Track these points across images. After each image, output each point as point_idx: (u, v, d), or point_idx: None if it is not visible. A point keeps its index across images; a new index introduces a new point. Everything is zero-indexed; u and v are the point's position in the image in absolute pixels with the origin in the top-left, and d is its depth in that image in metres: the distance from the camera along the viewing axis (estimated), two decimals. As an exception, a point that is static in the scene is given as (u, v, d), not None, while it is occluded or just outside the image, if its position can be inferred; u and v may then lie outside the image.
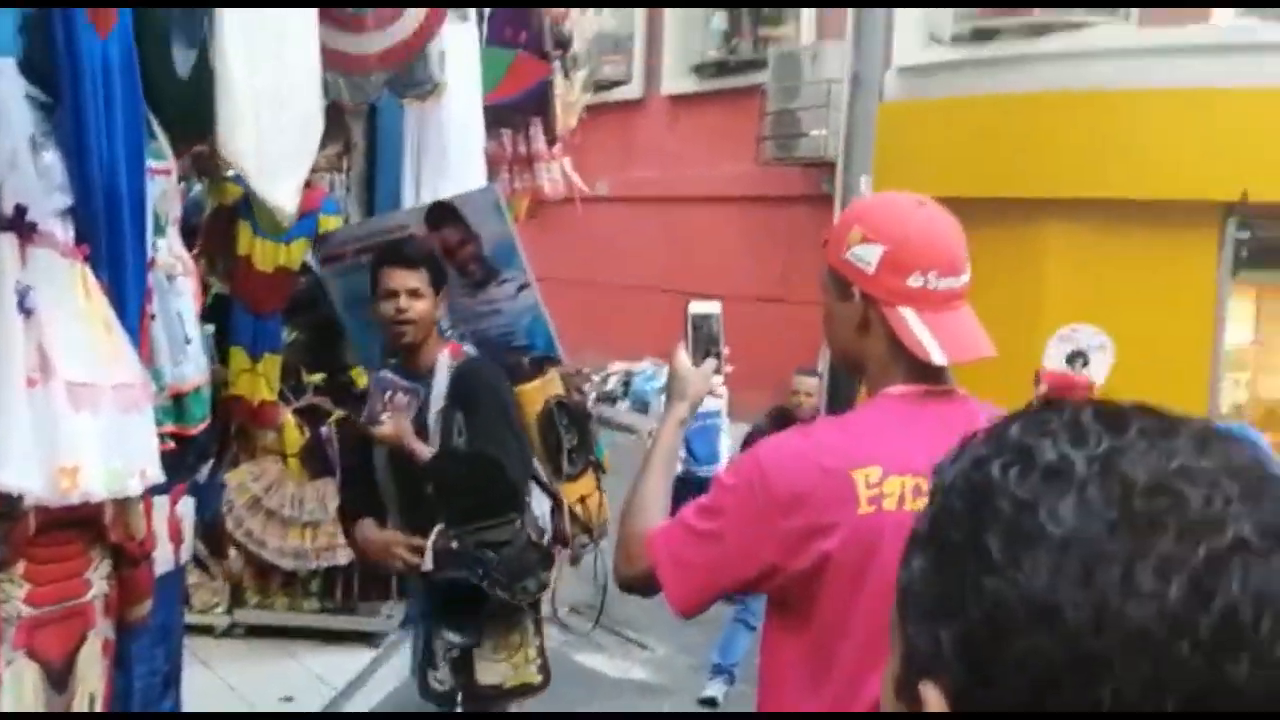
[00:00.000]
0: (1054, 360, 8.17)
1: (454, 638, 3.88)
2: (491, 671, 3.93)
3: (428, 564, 3.80)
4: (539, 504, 4.18)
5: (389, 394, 3.85)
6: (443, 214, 4.13)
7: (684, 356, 2.32)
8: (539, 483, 4.17)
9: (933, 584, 0.75)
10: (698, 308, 2.38)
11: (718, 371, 2.34)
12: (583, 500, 4.27)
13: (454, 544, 3.80)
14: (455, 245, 4.07)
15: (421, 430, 3.84)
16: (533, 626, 4.00)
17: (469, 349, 4.01)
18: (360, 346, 4.79)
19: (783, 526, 1.88)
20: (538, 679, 4.00)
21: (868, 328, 2.00)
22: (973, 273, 2.02)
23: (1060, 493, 0.70)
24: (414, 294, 3.81)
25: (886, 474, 1.87)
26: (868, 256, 1.96)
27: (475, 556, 3.79)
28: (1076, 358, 8.19)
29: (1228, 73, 9.74)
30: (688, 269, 13.66)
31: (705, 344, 2.35)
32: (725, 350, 2.37)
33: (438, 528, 3.81)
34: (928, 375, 1.97)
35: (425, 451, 3.80)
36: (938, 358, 1.92)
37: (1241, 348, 13.04)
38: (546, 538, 4.12)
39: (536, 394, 4.09)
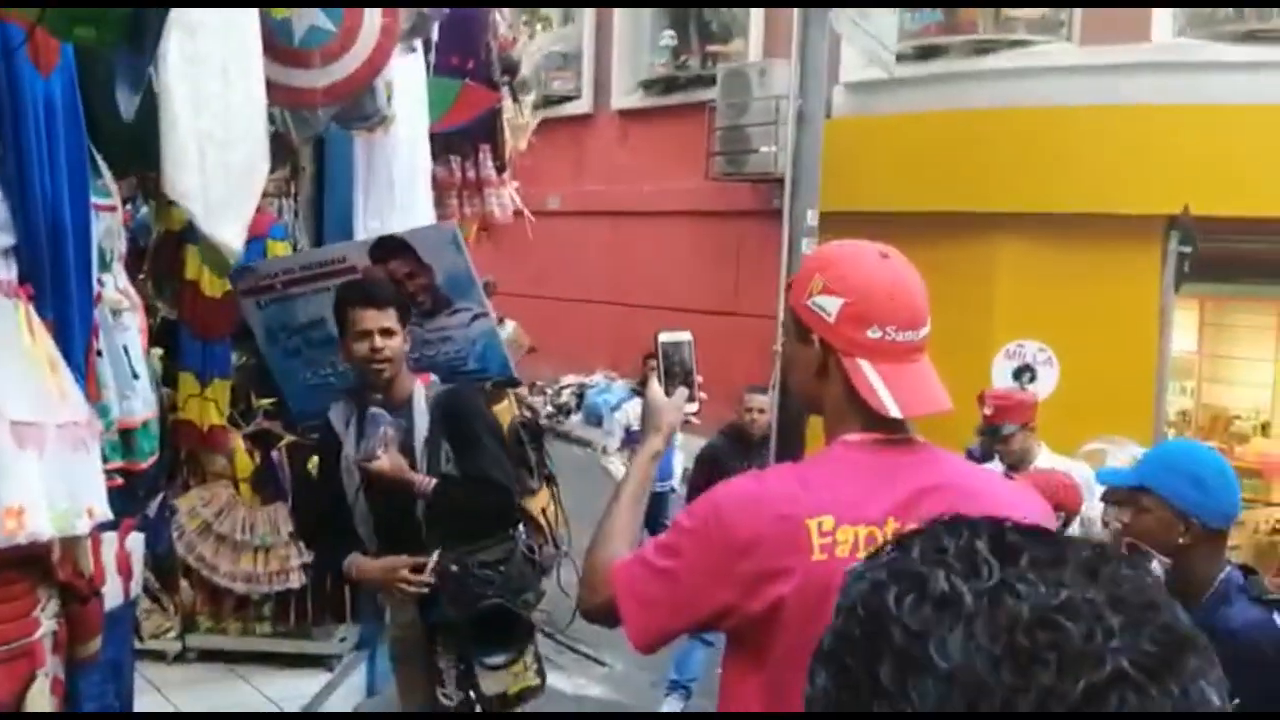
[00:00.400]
0: (1001, 376, 8.29)
1: (494, 659, 3.98)
2: (494, 681, 4.01)
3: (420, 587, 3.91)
4: None
5: (382, 430, 3.88)
6: (392, 247, 4.17)
7: (656, 387, 2.33)
8: None
9: (832, 703, 0.78)
10: (668, 336, 2.38)
11: (691, 399, 2.34)
12: (543, 512, 4.42)
13: (454, 566, 3.89)
14: (404, 277, 4.11)
15: (409, 460, 3.89)
16: (526, 634, 4.10)
17: (434, 378, 4.06)
18: (282, 376, 4.74)
19: (737, 569, 1.91)
20: (536, 681, 4.11)
21: (826, 374, 2.03)
22: (926, 287, 2.04)
23: (949, 625, 0.72)
24: (387, 333, 3.85)
25: (839, 523, 1.89)
26: (829, 306, 1.98)
27: (480, 576, 3.90)
28: (1024, 372, 8.32)
29: (1167, 90, 9.93)
30: (639, 282, 13.75)
31: (677, 373, 2.36)
32: (699, 378, 2.38)
33: (437, 551, 3.89)
34: (884, 424, 1.99)
35: (426, 482, 3.86)
36: (893, 410, 1.94)
37: (1186, 357, 13.23)
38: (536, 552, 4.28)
39: (504, 415, 4.20)
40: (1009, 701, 0.69)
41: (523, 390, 4.60)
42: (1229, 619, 2.81)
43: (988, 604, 0.73)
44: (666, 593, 2.01)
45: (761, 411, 6.59)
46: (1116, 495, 2.93)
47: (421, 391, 3.95)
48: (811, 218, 5.26)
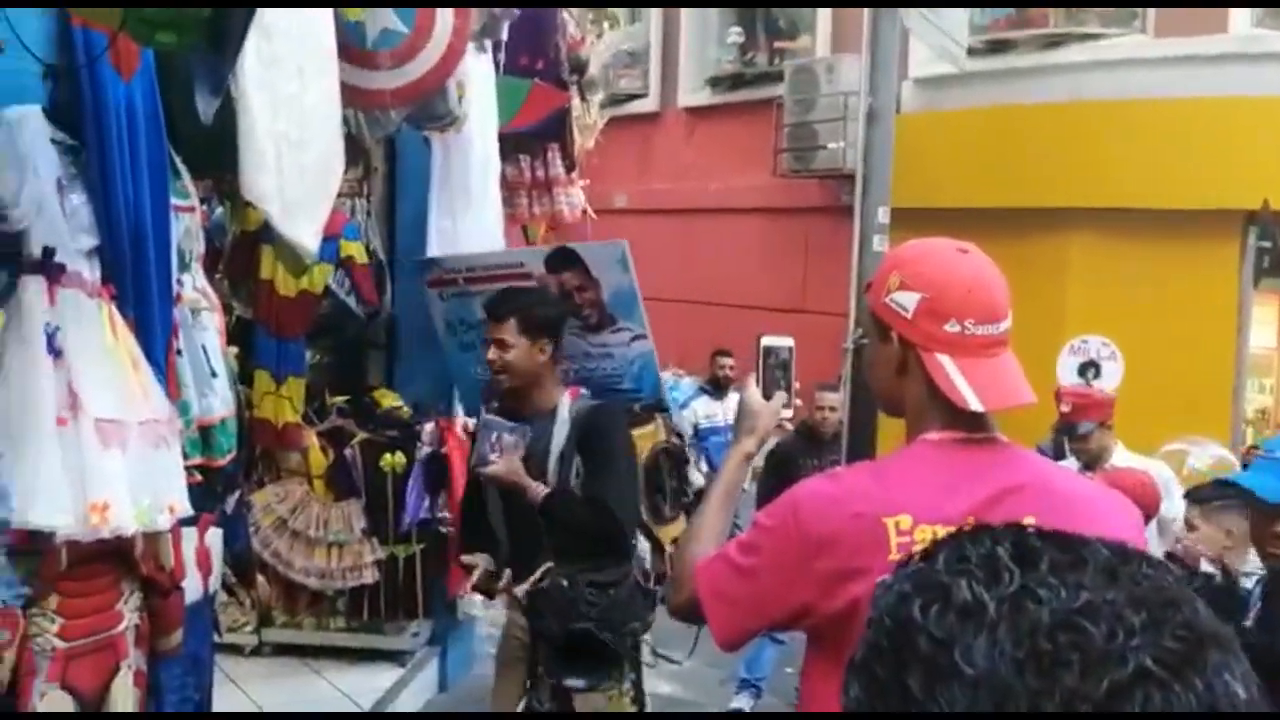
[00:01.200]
0: (1066, 372, 8.19)
1: (575, 682, 3.98)
2: (586, 702, 4.01)
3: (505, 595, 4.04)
4: (640, 545, 4.28)
5: (495, 435, 3.96)
6: (565, 259, 4.19)
7: (754, 390, 2.35)
8: (641, 525, 4.26)
9: (865, 713, 0.80)
10: (769, 341, 2.40)
11: (787, 405, 2.36)
12: (674, 541, 4.34)
13: (564, 581, 3.91)
14: (574, 289, 4.15)
15: (540, 471, 3.94)
16: (629, 663, 4.07)
17: (585, 392, 4.08)
18: (455, 369, 5.05)
19: (815, 569, 1.91)
20: (631, 708, 4.09)
21: (906, 371, 2.02)
22: (1004, 281, 2.03)
23: (974, 633, 0.74)
24: (500, 345, 3.94)
25: (917, 522, 1.88)
26: (906, 303, 1.98)
27: (586, 596, 3.91)
28: (1089, 368, 8.21)
29: (1244, 81, 9.73)
30: (706, 280, 13.72)
31: (776, 377, 2.38)
32: (797, 385, 2.41)
33: (546, 565, 3.94)
34: (966, 422, 1.98)
35: (539, 490, 3.89)
36: (973, 404, 1.92)
37: (1265, 354, 12.99)
38: (652, 579, 4.22)
39: (646, 440, 4.17)
40: (1035, 704, 0.71)
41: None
42: None
43: (1010, 610, 0.75)
44: (747, 591, 2.02)
45: (833, 409, 6.55)
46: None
47: (567, 404, 3.97)
48: (883, 214, 5.22)
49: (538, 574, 3.91)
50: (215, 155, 3.26)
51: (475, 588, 4.12)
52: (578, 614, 3.92)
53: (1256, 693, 0.74)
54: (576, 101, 6.38)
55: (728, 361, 9.22)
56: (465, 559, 4.05)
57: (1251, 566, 3.24)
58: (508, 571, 4.00)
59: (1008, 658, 0.73)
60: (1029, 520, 1.88)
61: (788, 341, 2.42)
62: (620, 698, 4.05)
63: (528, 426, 3.95)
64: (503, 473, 3.91)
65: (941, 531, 1.88)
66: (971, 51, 10.68)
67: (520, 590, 3.94)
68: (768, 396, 2.35)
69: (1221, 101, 9.74)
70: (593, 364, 4.29)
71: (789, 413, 2.38)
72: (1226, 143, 9.67)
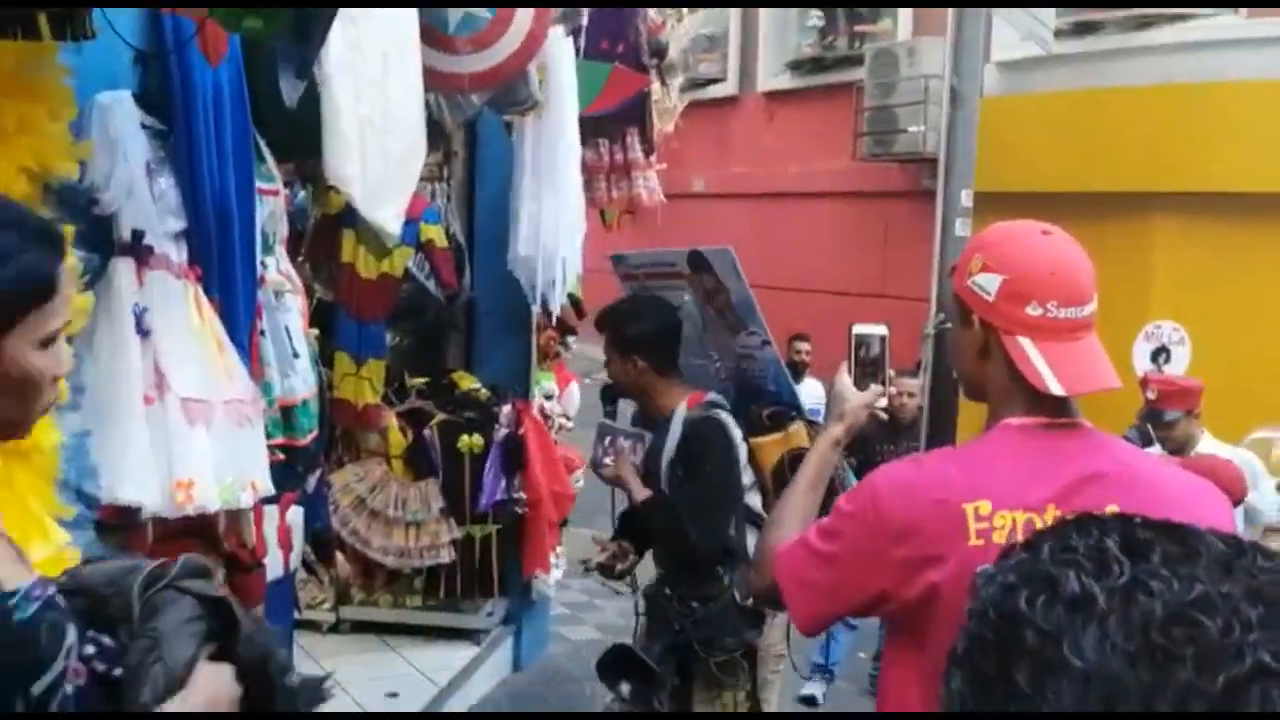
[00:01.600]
0: (1141, 357, 8.07)
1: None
2: (706, 703, 4.03)
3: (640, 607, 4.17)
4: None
5: (608, 440, 4.14)
6: (698, 262, 4.23)
7: (846, 378, 2.34)
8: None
9: (969, 706, 0.78)
10: (861, 329, 2.38)
11: (882, 394, 2.35)
12: None
13: (666, 590, 4.00)
14: (712, 290, 4.15)
15: (655, 477, 4.00)
16: (744, 672, 4.06)
17: (712, 396, 4.07)
18: None
19: (893, 555, 1.89)
20: (745, 707, 4.09)
21: (988, 356, 2.00)
22: (1089, 263, 2.00)
23: (1083, 625, 0.72)
24: (607, 357, 4.11)
25: (997, 508, 1.85)
26: (988, 285, 1.96)
27: (677, 608, 3.97)
28: (1160, 353, 8.08)
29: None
30: (785, 264, 13.63)
31: (869, 365, 2.36)
32: (891, 372, 2.39)
33: (632, 559, 4.10)
34: (1049, 407, 1.94)
35: (639, 494, 3.97)
36: (1054, 388, 1.90)
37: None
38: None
39: (775, 447, 4.08)
40: (1147, 699, 0.69)
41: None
42: None
43: (1120, 602, 0.72)
44: (826, 577, 2.01)
45: (911, 395, 6.51)
46: None
47: (682, 411, 3.98)
48: (966, 198, 5.16)
49: (645, 584, 4.00)
50: (299, 139, 3.30)
51: (601, 565, 4.23)
52: (670, 625, 3.98)
53: None
54: (656, 85, 6.36)
55: (804, 346, 9.16)
56: (605, 540, 4.22)
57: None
58: (632, 558, 4.13)
59: (1119, 651, 0.70)
60: (1112, 508, 1.86)
61: (880, 330, 2.39)
62: (734, 705, 4.04)
63: (647, 433, 4.02)
64: (610, 476, 4.05)
65: (1022, 518, 1.86)
66: (1058, 33, 10.53)
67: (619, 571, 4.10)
68: (860, 385, 2.34)
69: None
70: (744, 365, 4.27)
71: (884, 402, 2.37)
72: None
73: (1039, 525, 1.80)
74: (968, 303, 2.00)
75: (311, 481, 3.99)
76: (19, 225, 1.55)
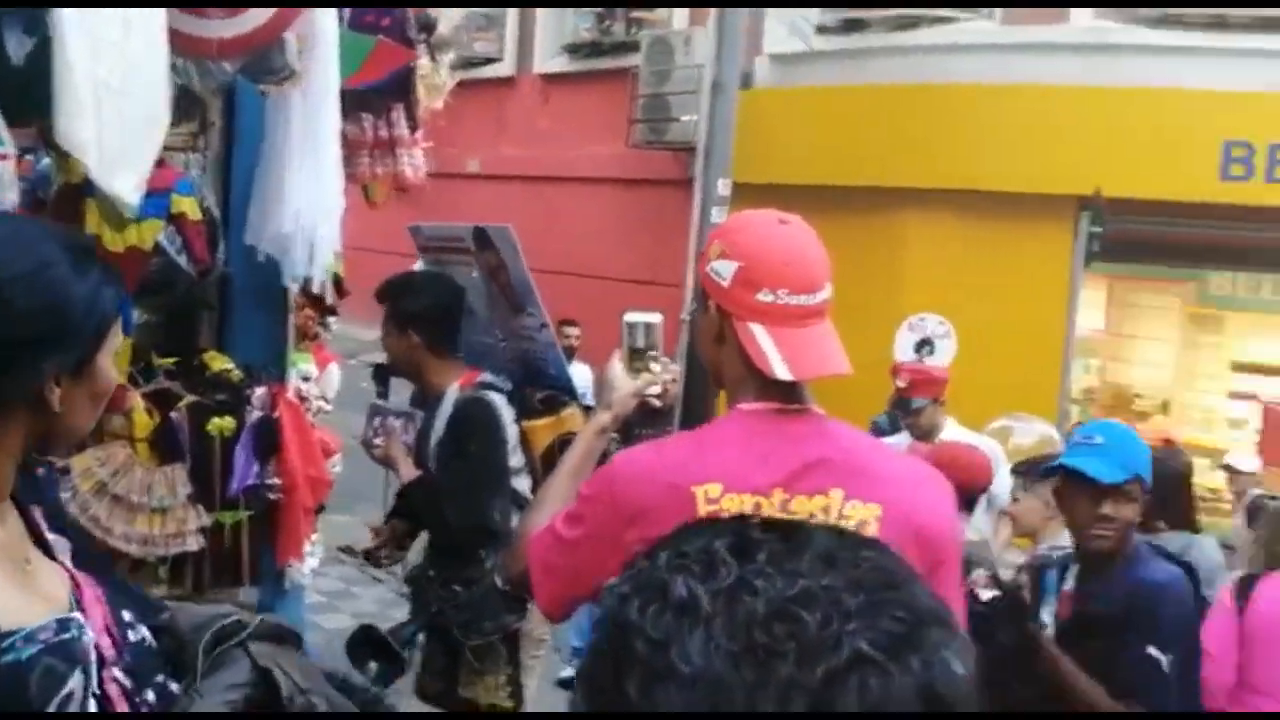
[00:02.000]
0: (904, 348, 8.40)
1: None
2: (469, 686, 4.02)
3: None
4: None
5: (379, 420, 4.13)
6: (484, 237, 4.12)
7: (618, 365, 2.35)
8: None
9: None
10: (633, 316, 2.38)
11: (654, 383, 2.35)
12: None
13: (430, 571, 3.97)
14: (496, 268, 4.10)
15: (423, 457, 3.97)
16: (505, 656, 4.03)
17: (485, 377, 4.01)
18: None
19: (627, 538, 1.90)
20: (508, 704, 4.05)
21: (723, 341, 2.03)
22: (837, 260, 2.04)
23: (690, 630, 0.72)
24: (383, 330, 4.09)
25: (726, 490, 1.89)
26: (724, 271, 1.99)
27: (440, 593, 3.95)
28: (924, 345, 8.43)
29: (1084, 71, 10.05)
30: (560, 249, 13.63)
31: (641, 353, 2.36)
32: (665, 359, 2.40)
33: (382, 539, 4.15)
34: (780, 392, 1.99)
35: (406, 474, 3.96)
36: (781, 373, 1.93)
37: (1092, 336, 13.49)
38: None
39: (546, 431, 4.06)
40: (751, 699, 0.69)
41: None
42: (1154, 573, 3.03)
43: (725, 604, 0.73)
44: (569, 561, 2.02)
45: (673, 381, 6.58)
46: (1109, 490, 2.99)
47: (454, 391, 3.94)
48: (723, 187, 5.24)
49: (389, 550, 3.93)
50: (31, 100, 3.08)
51: (367, 552, 4.28)
52: (429, 607, 3.97)
53: (973, 667, 0.74)
54: (425, 60, 6.23)
55: (573, 331, 9.17)
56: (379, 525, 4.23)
57: (1065, 540, 3.37)
58: (393, 548, 4.19)
59: (723, 652, 0.71)
60: (836, 492, 1.92)
61: (653, 317, 2.41)
62: (496, 689, 4.03)
63: (419, 412, 3.96)
64: (380, 456, 4.06)
65: (750, 501, 1.90)
66: (824, 30, 10.84)
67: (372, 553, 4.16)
68: (632, 372, 2.34)
69: (1061, 90, 10.05)
70: (525, 345, 4.22)
71: (656, 389, 2.37)
72: (1064, 130, 9.98)
73: (766, 508, 1.84)
74: (706, 289, 2.04)
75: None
76: (83, 249, 1.63)
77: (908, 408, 5.72)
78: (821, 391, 2.07)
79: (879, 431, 6.36)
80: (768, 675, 0.69)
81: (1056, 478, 3.18)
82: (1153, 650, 2.92)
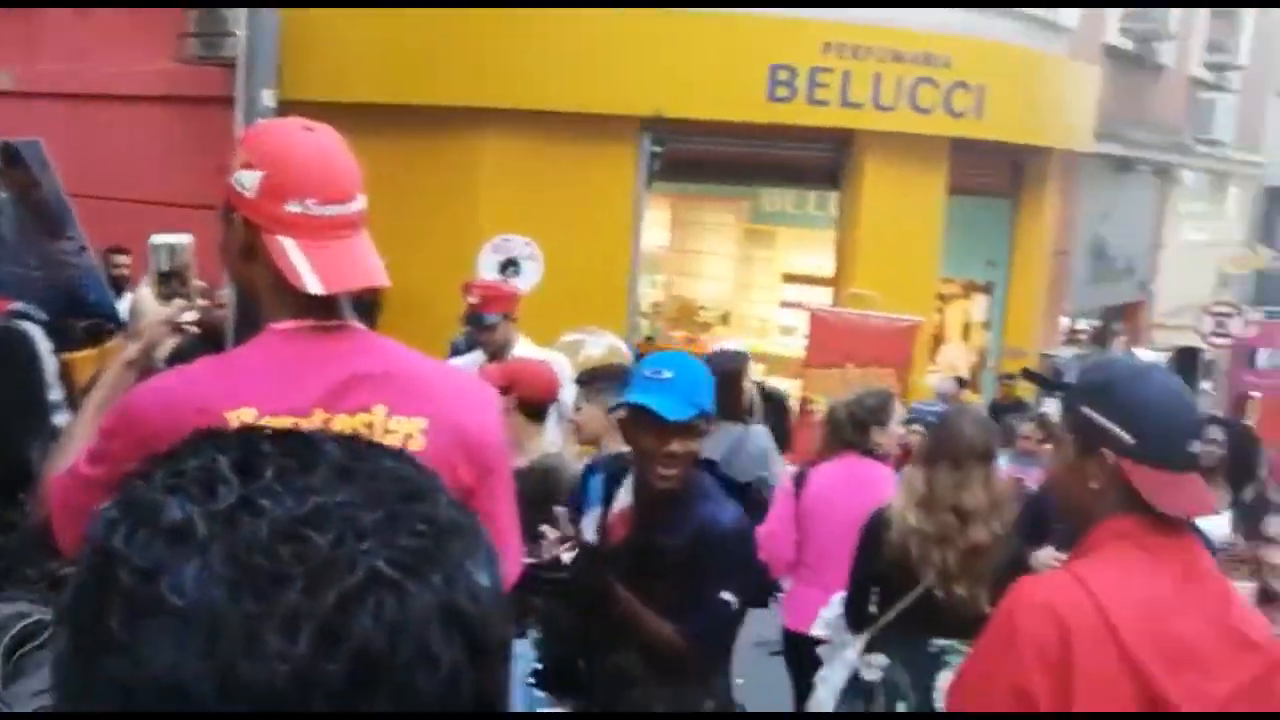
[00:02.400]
0: (488, 268, 8.42)
1: None
2: None
3: None
4: None
5: None
6: (12, 154, 3.60)
7: (145, 290, 2.18)
8: None
9: (70, 668, 0.67)
10: (161, 239, 2.22)
11: (189, 309, 2.20)
12: None
13: None
14: (28, 186, 3.62)
15: None
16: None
17: (18, 306, 3.65)
18: None
19: None
20: None
21: (253, 257, 1.90)
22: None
23: (183, 558, 0.64)
24: None
25: (262, 414, 1.78)
26: (248, 182, 1.87)
27: None
28: (509, 266, 8.49)
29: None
30: (109, 173, 12.67)
31: (173, 278, 2.20)
32: (203, 284, 2.27)
33: None
34: (316, 308, 1.88)
35: None
36: (313, 286, 1.83)
37: (658, 252, 14.09)
38: None
39: (89, 364, 3.73)
40: (253, 630, 0.62)
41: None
42: (718, 514, 3.13)
43: (224, 527, 0.65)
44: (91, 501, 1.83)
45: (220, 306, 6.32)
46: (676, 428, 3.05)
47: None
48: (269, 98, 4.97)
49: None
50: None
51: None
52: None
53: (499, 579, 0.70)
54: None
55: (124, 260, 8.57)
56: None
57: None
58: None
59: (222, 581, 0.62)
60: (380, 408, 1.85)
61: (182, 239, 2.24)
62: None
63: None
64: None
65: (287, 424, 1.79)
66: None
67: None
68: (163, 298, 2.17)
69: (625, 14, 10.27)
70: (68, 273, 3.82)
71: (191, 315, 2.22)
72: (628, 52, 10.25)
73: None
74: (231, 201, 1.91)
75: None
76: None
77: (480, 323, 5.71)
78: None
79: (456, 352, 6.33)
80: (272, 605, 0.62)
81: (624, 410, 3.22)
82: (726, 595, 3.04)
